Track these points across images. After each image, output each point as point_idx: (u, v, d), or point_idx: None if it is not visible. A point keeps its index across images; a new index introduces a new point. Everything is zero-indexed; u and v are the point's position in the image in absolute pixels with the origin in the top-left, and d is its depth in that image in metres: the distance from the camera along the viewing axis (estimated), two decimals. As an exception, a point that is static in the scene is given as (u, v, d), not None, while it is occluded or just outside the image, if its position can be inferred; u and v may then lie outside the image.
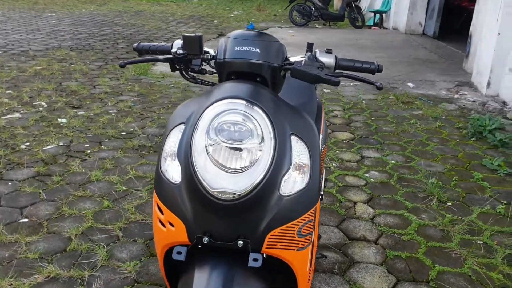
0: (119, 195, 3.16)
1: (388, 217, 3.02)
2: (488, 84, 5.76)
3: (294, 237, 1.32)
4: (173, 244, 1.38)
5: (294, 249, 1.33)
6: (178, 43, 1.59)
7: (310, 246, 1.38)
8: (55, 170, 3.48)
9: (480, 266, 2.55)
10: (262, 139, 1.28)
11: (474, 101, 5.59)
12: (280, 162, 1.29)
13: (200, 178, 1.27)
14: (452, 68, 7.13)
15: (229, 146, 1.28)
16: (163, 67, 7.02)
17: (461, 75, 6.73)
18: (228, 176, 1.28)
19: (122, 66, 1.53)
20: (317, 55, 1.52)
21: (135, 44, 1.68)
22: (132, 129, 4.37)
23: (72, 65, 6.69)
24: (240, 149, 1.28)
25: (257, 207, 1.28)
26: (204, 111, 1.33)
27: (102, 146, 3.96)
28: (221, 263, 1.32)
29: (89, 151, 3.85)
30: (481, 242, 2.77)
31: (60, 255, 2.52)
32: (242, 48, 1.41)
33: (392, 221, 2.98)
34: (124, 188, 3.25)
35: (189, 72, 1.59)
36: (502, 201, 3.22)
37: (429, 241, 2.77)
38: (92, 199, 3.10)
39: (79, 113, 4.76)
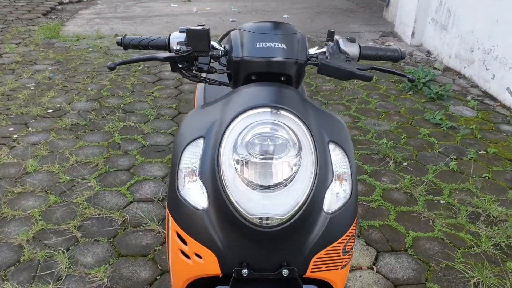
0: (65, 187, 2.83)
1: (352, 184, 3.00)
2: (413, 34, 5.88)
3: (339, 255, 1.19)
4: (199, 277, 1.21)
5: (338, 268, 1.21)
6: (176, 36, 1.34)
7: (350, 261, 1.27)
8: (-19, 163, 3.05)
9: (448, 227, 2.62)
10: (300, 150, 1.12)
11: (401, 52, 5.69)
12: (323, 176, 1.14)
13: (235, 203, 1.09)
14: (373, 18, 7.21)
15: (263, 162, 1.10)
16: (75, 28, 6.40)
17: (383, 24, 6.83)
18: (265, 197, 1.11)
19: (112, 68, 1.26)
20: (341, 45, 1.35)
21: (119, 38, 1.40)
22: (59, 105, 3.93)
23: (-32, 30, 5.88)
24: (275, 165, 1.10)
25: (301, 230, 1.13)
26: (229, 123, 1.13)
27: (30, 128, 3.52)
28: None
29: (16, 136, 3.41)
30: (444, 201, 2.85)
31: (15, 268, 2.22)
32: (264, 44, 1.20)
33: (357, 188, 2.96)
34: (68, 178, 2.92)
35: (193, 71, 1.34)
36: (452, 157, 3.33)
37: (396, 206, 2.79)
38: (35, 195, 2.75)
39: (-9, 89, 4.20)
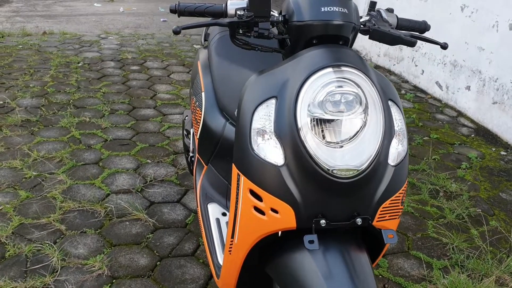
0: (33, 182, 2.68)
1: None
2: (342, 35, 6.21)
3: (399, 205, 1.30)
4: (273, 232, 1.25)
5: (396, 218, 1.31)
6: (234, 3, 1.36)
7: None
8: None
9: (415, 203, 2.84)
10: (366, 107, 1.20)
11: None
12: (388, 131, 1.24)
13: (314, 157, 1.16)
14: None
15: (335, 119, 1.18)
16: (-4, 25, 5.99)
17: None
18: (339, 151, 1.18)
19: (177, 32, 1.26)
20: (383, 14, 1.46)
21: (173, 4, 1.40)
22: (2, 102, 3.68)
23: None
24: (346, 120, 1.18)
25: (372, 181, 1.22)
26: (303, 84, 1.19)
27: (-25, 126, 3.27)
28: (334, 243, 1.24)
29: (-39, 133, 3.15)
30: (405, 181, 3.07)
31: (1, 265, 2.07)
32: (329, 8, 1.27)
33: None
34: (34, 173, 2.76)
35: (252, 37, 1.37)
36: (402, 142, 3.59)
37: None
38: (2, 191, 2.57)
39: None
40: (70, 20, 6.65)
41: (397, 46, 5.25)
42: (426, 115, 4.22)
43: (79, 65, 4.72)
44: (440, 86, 4.64)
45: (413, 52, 5.01)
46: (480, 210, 2.81)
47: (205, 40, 2.36)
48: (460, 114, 4.27)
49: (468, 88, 4.24)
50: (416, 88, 4.90)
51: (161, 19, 7.03)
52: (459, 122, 4.12)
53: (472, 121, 4.14)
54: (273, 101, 1.23)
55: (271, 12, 1.38)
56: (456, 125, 4.05)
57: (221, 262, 1.66)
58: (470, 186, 3.06)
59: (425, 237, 2.53)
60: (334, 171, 1.16)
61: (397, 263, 2.31)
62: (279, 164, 1.19)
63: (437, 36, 4.61)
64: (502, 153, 3.58)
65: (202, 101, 1.96)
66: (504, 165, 3.40)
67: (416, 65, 4.99)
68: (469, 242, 2.51)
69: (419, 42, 4.90)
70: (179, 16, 1.42)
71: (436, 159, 3.39)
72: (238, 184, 1.27)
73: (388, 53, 5.43)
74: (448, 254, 2.41)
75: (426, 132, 3.86)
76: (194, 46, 5.79)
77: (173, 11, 1.40)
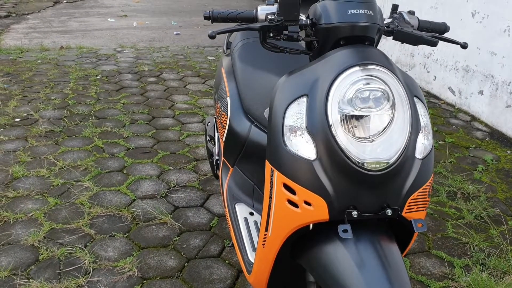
0: (60, 189, 2.76)
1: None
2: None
3: (426, 197, 1.35)
4: (306, 225, 1.31)
5: (423, 209, 1.37)
6: (264, 8, 1.44)
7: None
8: (-38, 171, 2.88)
9: (433, 204, 2.89)
10: (393, 103, 1.27)
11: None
12: (415, 126, 1.30)
13: (346, 151, 1.22)
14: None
15: (364, 115, 1.24)
16: (14, 41, 6.15)
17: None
18: (369, 146, 1.25)
19: (213, 37, 1.34)
20: (405, 17, 1.53)
21: (207, 12, 1.47)
22: (25, 114, 3.79)
23: None
24: (375, 116, 1.25)
25: (401, 174, 1.28)
26: (333, 81, 1.26)
27: (1, 137, 3.37)
28: (365, 234, 1.30)
29: (-11, 144, 3.25)
30: (422, 184, 3.12)
31: (36, 267, 2.15)
32: (356, 11, 1.34)
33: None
34: (61, 181, 2.84)
35: (271, 41, 1.45)
36: (418, 147, 3.64)
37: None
38: (32, 198, 2.66)
39: None
40: (85, 35, 6.79)
41: (408, 53, 5.31)
42: (440, 120, 4.27)
43: (97, 77, 4.83)
44: (452, 92, 4.68)
45: (424, 59, 5.07)
46: (498, 210, 2.85)
47: (227, 48, 2.44)
48: (474, 118, 4.31)
49: (481, 92, 4.29)
50: (428, 94, 4.95)
51: (174, 33, 7.16)
52: (473, 126, 4.16)
53: (486, 125, 4.17)
54: (304, 99, 1.30)
55: (300, 16, 1.45)
56: (471, 129, 4.09)
57: (251, 259, 1.72)
58: (487, 188, 3.10)
59: (445, 237, 2.57)
60: (365, 164, 1.23)
61: (418, 262, 2.35)
62: (311, 159, 1.26)
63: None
64: (518, 155, 3.62)
65: (227, 105, 2.04)
66: (520, 167, 3.43)
67: (428, 72, 5.05)
68: (489, 241, 2.54)
69: (430, 49, 4.96)
70: (212, 22, 1.49)
71: (452, 162, 3.44)
72: (271, 179, 1.34)
73: (400, 60, 5.49)
74: (468, 253, 2.45)
75: (441, 136, 3.90)
76: (208, 57, 5.90)
77: (207, 17, 1.48)
